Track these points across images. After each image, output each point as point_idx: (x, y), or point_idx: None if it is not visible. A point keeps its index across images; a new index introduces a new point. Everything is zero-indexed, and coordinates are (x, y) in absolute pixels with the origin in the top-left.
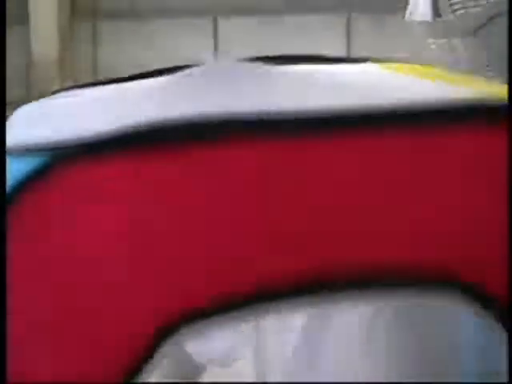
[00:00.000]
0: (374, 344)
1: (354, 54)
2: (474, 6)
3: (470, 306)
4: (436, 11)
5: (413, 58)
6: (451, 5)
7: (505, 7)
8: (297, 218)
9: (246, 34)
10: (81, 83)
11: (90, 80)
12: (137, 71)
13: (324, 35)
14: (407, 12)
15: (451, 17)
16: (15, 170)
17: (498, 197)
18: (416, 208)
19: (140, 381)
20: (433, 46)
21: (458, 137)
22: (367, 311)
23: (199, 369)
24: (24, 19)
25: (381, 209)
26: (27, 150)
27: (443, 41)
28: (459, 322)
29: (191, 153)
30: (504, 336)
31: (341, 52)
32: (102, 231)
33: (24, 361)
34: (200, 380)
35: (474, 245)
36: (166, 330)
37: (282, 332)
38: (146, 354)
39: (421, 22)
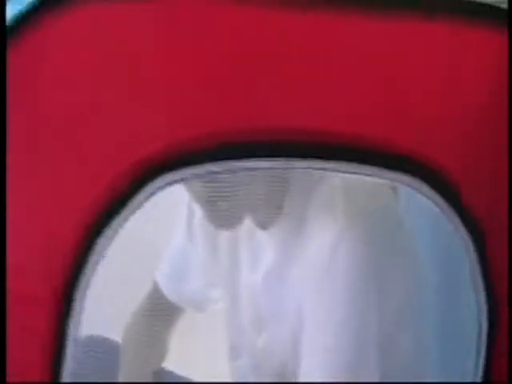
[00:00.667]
0: (335, 267)
1: None
2: None
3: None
4: None
5: None
6: None
7: None
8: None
9: None
10: None
11: None
12: None
13: None
14: None
15: None
16: None
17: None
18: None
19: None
20: None
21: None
22: (329, 239)
23: (176, 311)
24: None
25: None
26: None
27: None
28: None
29: None
30: (453, 218)
31: None
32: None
33: None
34: (179, 321)
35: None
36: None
37: (250, 269)
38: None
39: None
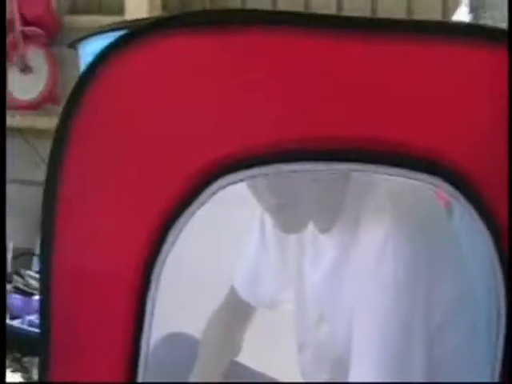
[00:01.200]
0: (384, 264)
1: None
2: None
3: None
4: None
5: None
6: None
7: None
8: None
9: None
10: None
11: None
12: None
13: None
14: None
15: None
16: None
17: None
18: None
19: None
20: None
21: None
22: (379, 238)
23: (250, 310)
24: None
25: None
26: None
27: None
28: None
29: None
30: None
31: None
32: None
33: None
34: (253, 319)
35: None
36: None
37: (313, 270)
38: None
39: None
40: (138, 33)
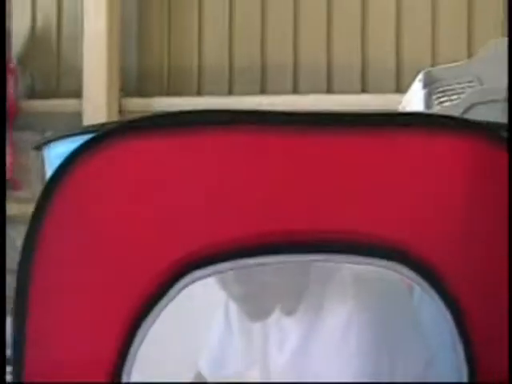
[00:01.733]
0: (349, 342)
1: None
2: (456, 99)
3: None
4: (427, 105)
5: None
6: (438, 98)
7: (479, 99)
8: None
9: None
10: None
11: None
12: None
13: None
14: (400, 106)
15: (438, 108)
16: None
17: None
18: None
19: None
20: None
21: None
22: (342, 319)
23: None
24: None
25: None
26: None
27: None
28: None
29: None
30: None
31: None
32: None
33: None
34: None
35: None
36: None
37: (278, 353)
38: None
39: None
40: (98, 138)
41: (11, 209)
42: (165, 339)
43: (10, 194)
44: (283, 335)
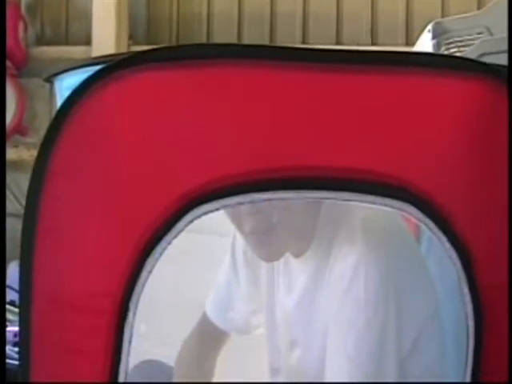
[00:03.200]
0: (356, 287)
1: None
2: (466, 50)
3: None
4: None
5: None
6: (448, 49)
7: (489, 49)
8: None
9: None
10: None
11: None
12: None
13: None
14: None
15: None
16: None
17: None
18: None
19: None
20: None
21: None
22: (351, 262)
23: (223, 336)
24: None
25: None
26: None
27: None
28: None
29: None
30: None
31: None
32: None
33: None
34: (223, 346)
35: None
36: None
37: (286, 296)
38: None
39: None
40: (110, 69)
41: (20, 154)
42: (172, 278)
43: (18, 139)
44: (290, 278)
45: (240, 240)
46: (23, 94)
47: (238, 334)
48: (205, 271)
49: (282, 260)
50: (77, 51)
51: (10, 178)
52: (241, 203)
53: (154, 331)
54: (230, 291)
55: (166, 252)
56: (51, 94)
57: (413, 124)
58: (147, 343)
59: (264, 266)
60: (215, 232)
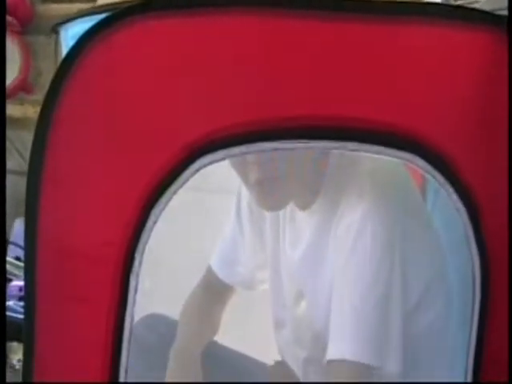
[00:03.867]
0: (363, 240)
1: None
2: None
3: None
4: None
5: None
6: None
7: (498, 5)
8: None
9: None
10: None
11: None
12: None
13: None
14: None
15: None
16: None
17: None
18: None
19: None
20: None
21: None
22: (359, 216)
23: (228, 290)
24: None
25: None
26: None
27: None
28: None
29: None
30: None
31: None
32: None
33: None
34: (228, 300)
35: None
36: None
37: (292, 248)
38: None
39: None
40: (119, 15)
41: (25, 111)
42: (178, 236)
43: (23, 97)
44: (297, 231)
45: (245, 194)
46: (28, 52)
47: (243, 289)
48: (212, 229)
49: (287, 213)
50: (82, 8)
51: (16, 135)
52: (246, 153)
53: (160, 288)
54: (236, 245)
55: (174, 209)
56: (56, 51)
57: (420, 74)
58: (152, 300)
59: (269, 219)
60: (222, 190)
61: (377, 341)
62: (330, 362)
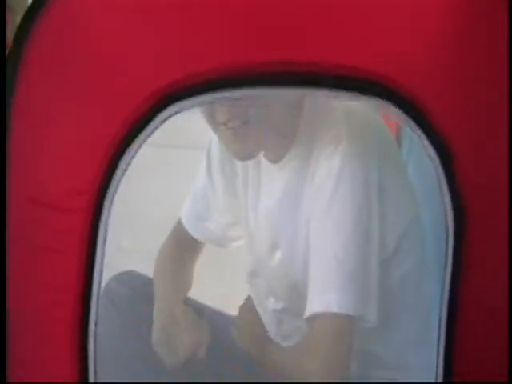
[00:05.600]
0: (342, 188)
1: None
2: None
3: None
4: None
5: None
6: None
7: None
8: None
9: None
10: None
11: None
12: None
13: None
14: None
15: None
16: None
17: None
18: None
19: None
20: None
21: None
22: (336, 164)
23: (199, 246)
24: None
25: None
26: None
27: None
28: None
29: None
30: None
31: None
32: None
33: None
34: (199, 254)
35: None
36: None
37: (265, 198)
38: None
39: None
40: None
41: None
42: (152, 193)
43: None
44: (270, 185)
45: (216, 151)
46: (4, 7)
47: (214, 246)
48: (185, 185)
49: (260, 168)
50: None
51: None
52: (216, 100)
53: (136, 247)
54: (206, 200)
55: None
56: None
57: (397, 21)
58: (126, 258)
59: (241, 174)
60: (195, 146)
61: (359, 291)
62: (314, 314)
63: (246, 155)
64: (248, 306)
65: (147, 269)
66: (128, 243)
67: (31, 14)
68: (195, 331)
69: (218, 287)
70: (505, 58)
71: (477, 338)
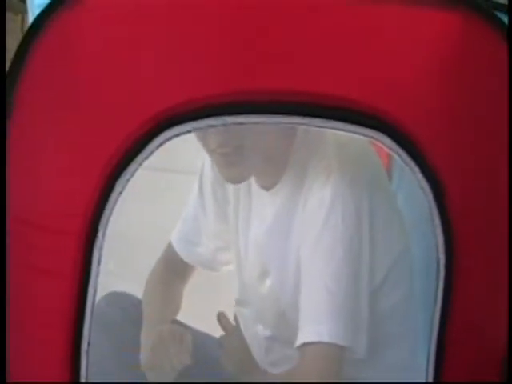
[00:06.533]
0: (333, 219)
1: None
2: None
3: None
4: None
5: None
6: None
7: None
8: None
9: None
10: None
11: None
12: None
13: None
14: None
15: None
16: None
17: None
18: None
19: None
20: None
21: None
22: (328, 194)
23: (188, 268)
24: None
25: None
26: None
27: None
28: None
29: None
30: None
31: None
32: None
33: None
34: (189, 278)
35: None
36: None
37: (257, 225)
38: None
39: None
40: None
41: None
42: (144, 217)
43: None
44: (262, 211)
45: (208, 175)
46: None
47: (204, 269)
48: (177, 210)
49: (251, 194)
50: None
51: None
52: (212, 126)
53: (124, 269)
54: (197, 224)
55: (140, 188)
56: (23, 29)
57: (387, 53)
58: (116, 280)
59: (232, 199)
60: (188, 171)
61: (349, 321)
62: (306, 344)
63: (237, 179)
64: (235, 332)
65: (137, 290)
66: (116, 265)
67: (27, 39)
68: (183, 352)
69: (207, 310)
70: (501, 91)
71: (465, 364)
